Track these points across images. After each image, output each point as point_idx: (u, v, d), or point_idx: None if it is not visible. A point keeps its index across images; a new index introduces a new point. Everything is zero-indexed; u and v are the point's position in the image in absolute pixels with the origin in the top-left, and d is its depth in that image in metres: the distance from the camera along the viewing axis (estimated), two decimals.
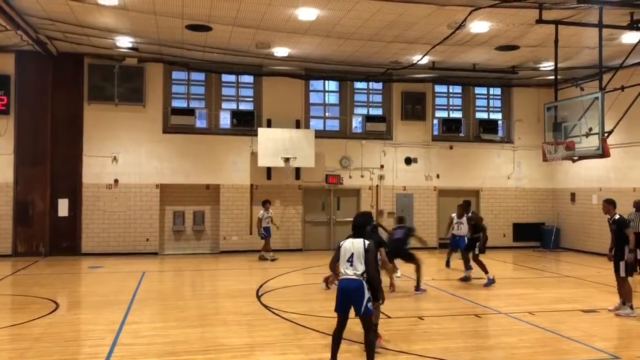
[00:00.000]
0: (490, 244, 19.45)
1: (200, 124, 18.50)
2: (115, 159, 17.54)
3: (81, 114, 17.36)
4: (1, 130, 16.71)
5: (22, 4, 12.77)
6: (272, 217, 16.75)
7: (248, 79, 18.95)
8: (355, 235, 6.42)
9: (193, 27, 14.24)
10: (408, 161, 19.74)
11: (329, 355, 6.47)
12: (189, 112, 18.08)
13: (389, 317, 9.10)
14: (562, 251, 19.41)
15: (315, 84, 19.60)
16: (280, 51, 16.51)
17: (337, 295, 6.35)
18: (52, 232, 17.04)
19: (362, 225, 6.50)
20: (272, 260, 16.26)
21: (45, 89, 16.99)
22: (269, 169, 18.35)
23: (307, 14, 13.04)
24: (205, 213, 18.47)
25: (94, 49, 16.37)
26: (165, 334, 8.10)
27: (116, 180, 17.54)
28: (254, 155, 18.14)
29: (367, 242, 6.30)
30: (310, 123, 19.35)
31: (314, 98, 19.67)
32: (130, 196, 17.62)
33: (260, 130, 17.98)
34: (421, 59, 16.70)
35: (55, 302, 10.21)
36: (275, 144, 17.75)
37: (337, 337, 6.43)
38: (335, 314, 6.46)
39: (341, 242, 6.48)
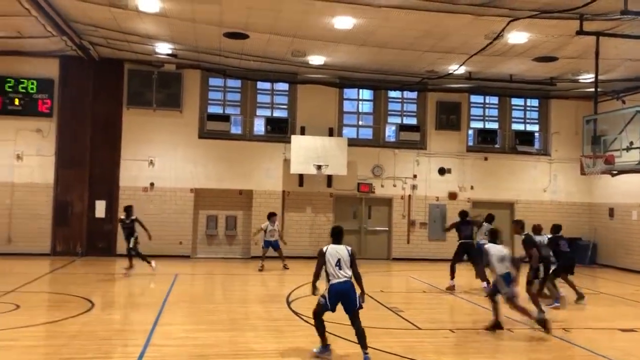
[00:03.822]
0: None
1: (235, 130, 18.74)
2: (151, 162, 17.89)
3: (120, 118, 17.78)
4: (44, 132, 17.25)
5: (69, 11, 13.20)
6: (278, 230, 16.02)
7: (283, 86, 19.12)
8: (335, 242, 7.17)
9: (230, 35, 14.45)
10: (442, 171, 19.58)
11: None
12: (225, 118, 18.33)
13: (419, 328, 9.02)
14: (599, 268, 18.90)
15: (349, 92, 19.64)
16: (316, 59, 16.61)
17: (332, 297, 6.93)
18: (89, 233, 17.46)
19: (341, 232, 7.27)
20: (260, 270, 15.48)
21: (86, 93, 17.47)
22: (301, 176, 18.44)
23: (343, 22, 13.11)
24: (237, 218, 18.66)
25: (134, 55, 16.78)
26: (195, 337, 8.20)
27: (152, 184, 17.88)
28: (286, 162, 18.27)
29: (349, 247, 7.12)
30: (344, 131, 19.39)
31: (347, 106, 19.71)
32: (166, 199, 17.93)
33: (293, 137, 18.10)
34: (457, 69, 16.58)
35: (91, 301, 10.44)
36: (308, 152, 17.85)
37: (322, 323, 7.20)
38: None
39: (324, 249, 7.07)
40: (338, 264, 6.91)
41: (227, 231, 18.54)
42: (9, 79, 16.98)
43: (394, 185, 19.28)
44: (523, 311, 8.88)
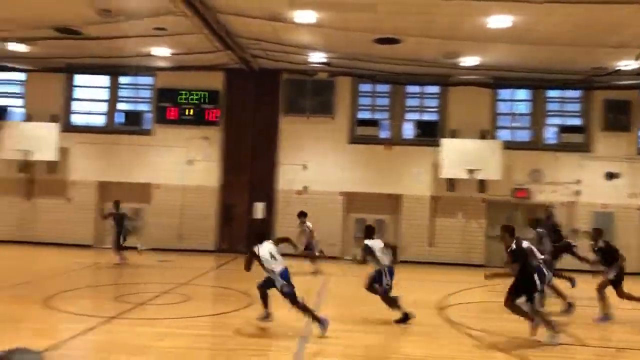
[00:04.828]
0: None
1: (384, 134, 18.88)
2: (305, 167, 18.69)
3: (277, 126, 18.83)
4: (212, 140, 18.84)
5: (235, 27, 14.32)
6: (307, 232, 14.56)
7: (432, 89, 18.88)
8: (263, 240, 8.94)
9: (381, 41, 14.62)
10: (609, 176, 17.92)
11: None
12: (374, 123, 18.59)
13: (584, 344, 8.35)
14: None
15: (503, 93, 18.80)
16: (469, 60, 16.17)
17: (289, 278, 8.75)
18: (249, 232, 18.68)
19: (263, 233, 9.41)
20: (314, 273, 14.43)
21: (248, 103, 18.77)
22: (450, 180, 18.03)
23: (500, 21, 12.63)
24: (386, 222, 18.76)
25: (290, 65, 17.66)
26: (347, 337, 8.40)
27: (305, 187, 18.66)
28: (435, 166, 17.98)
29: (272, 242, 8.97)
30: (498, 133, 18.60)
31: (502, 107, 18.88)
32: (317, 202, 18.59)
33: (444, 140, 17.77)
34: (629, 65, 15.09)
35: (250, 297, 11.15)
36: (459, 155, 17.40)
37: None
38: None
39: (259, 246, 8.80)
40: (274, 256, 8.82)
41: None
42: (182, 92, 18.85)
43: (554, 191, 18.04)
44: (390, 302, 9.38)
